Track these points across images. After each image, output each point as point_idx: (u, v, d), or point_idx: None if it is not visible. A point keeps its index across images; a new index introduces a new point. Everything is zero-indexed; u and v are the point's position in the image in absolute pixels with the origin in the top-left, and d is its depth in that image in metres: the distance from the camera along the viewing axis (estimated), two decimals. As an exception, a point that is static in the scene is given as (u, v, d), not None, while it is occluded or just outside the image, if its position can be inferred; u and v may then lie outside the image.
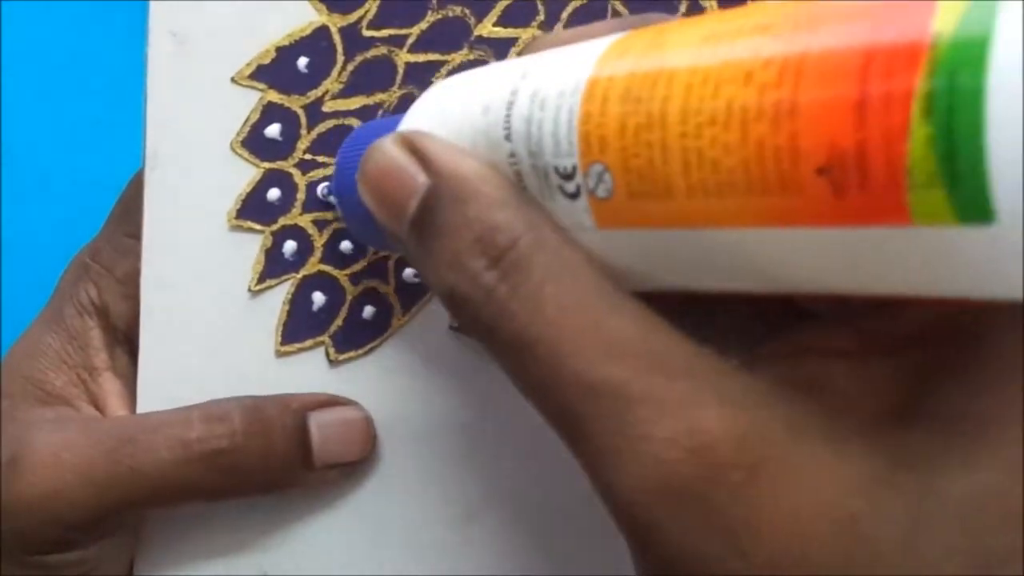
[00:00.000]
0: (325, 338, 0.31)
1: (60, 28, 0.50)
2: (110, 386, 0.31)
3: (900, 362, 0.19)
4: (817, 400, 0.19)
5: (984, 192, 0.14)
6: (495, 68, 0.23)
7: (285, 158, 0.31)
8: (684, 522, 0.18)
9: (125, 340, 0.32)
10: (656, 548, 0.19)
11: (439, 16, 0.31)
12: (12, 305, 0.47)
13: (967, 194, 0.15)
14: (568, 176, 0.20)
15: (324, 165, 0.31)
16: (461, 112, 0.23)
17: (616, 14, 0.30)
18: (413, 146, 0.22)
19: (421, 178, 0.22)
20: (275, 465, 0.29)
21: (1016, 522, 0.17)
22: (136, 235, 0.31)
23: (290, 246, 0.31)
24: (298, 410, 0.30)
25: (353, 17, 0.31)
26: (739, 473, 0.18)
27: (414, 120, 0.24)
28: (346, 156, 0.28)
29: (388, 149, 0.23)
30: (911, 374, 0.19)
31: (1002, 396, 0.18)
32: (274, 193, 0.31)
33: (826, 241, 0.17)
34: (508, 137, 0.21)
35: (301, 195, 0.31)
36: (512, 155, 0.21)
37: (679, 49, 0.19)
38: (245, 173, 0.31)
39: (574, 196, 0.20)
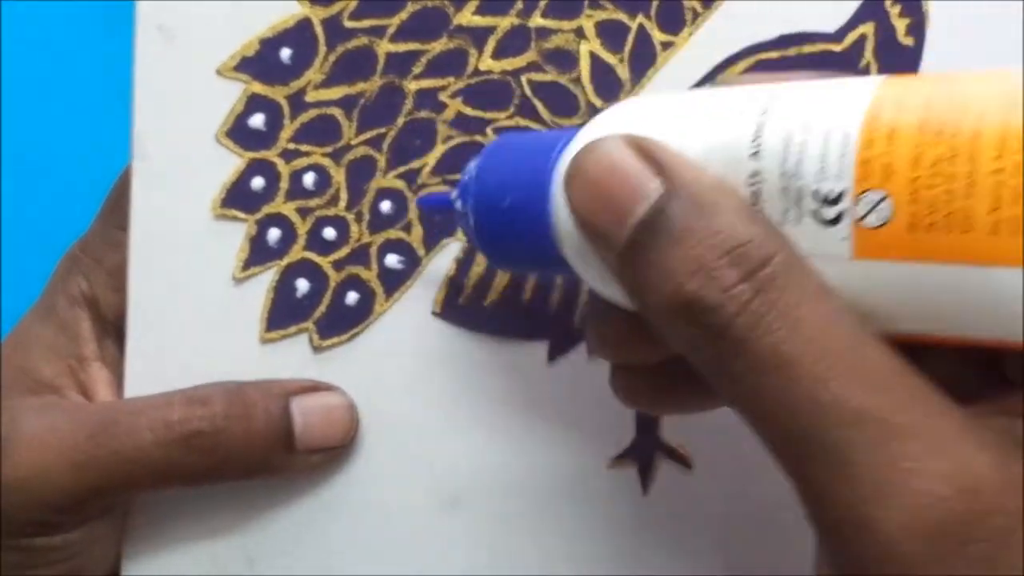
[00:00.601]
0: (309, 324, 0.31)
1: (49, 20, 0.51)
2: (99, 375, 0.32)
3: None
4: None
5: None
6: (718, 91, 0.23)
7: (269, 147, 0.31)
8: (950, 564, 0.18)
9: (114, 331, 0.32)
10: None
11: (418, 6, 0.31)
12: (9, 299, 0.47)
13: None
14: (831, 201, 0.20)
15: (307, 154, 0.31)
16: (685, 126, 0.22)
17: (594, 1, 0.31)
18: (643, 149, 0.22)
19: (655, 183, 0.21)
20: (257, 449, 0.29)
21: None
22: (125, 228, 0.32)
23: (274, 234, 0.31)
24: (280, 394, 0.30)
25: (335, 9, 0.31)
26: (1005, 521, 0.18)
27: (615, 129, 0.23)
28: (495, 158, 0.27)
29: (615, 147, 0.22)
30: None
31: None
32: (258, 182, 0.31)
33: None
34: (756, 155, 0.21)
35: (285, 184, 0.31)
36: (755, 174, 0.21)
37: (982, 86, 0.19)
38: (230, 163, 0.31)
39: (832, 223, 0.20)
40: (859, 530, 0.19)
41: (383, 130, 0.31)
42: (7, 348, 0.32)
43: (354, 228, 0.31)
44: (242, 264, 0.31)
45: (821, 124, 0.20)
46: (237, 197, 0.31)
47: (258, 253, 0.31)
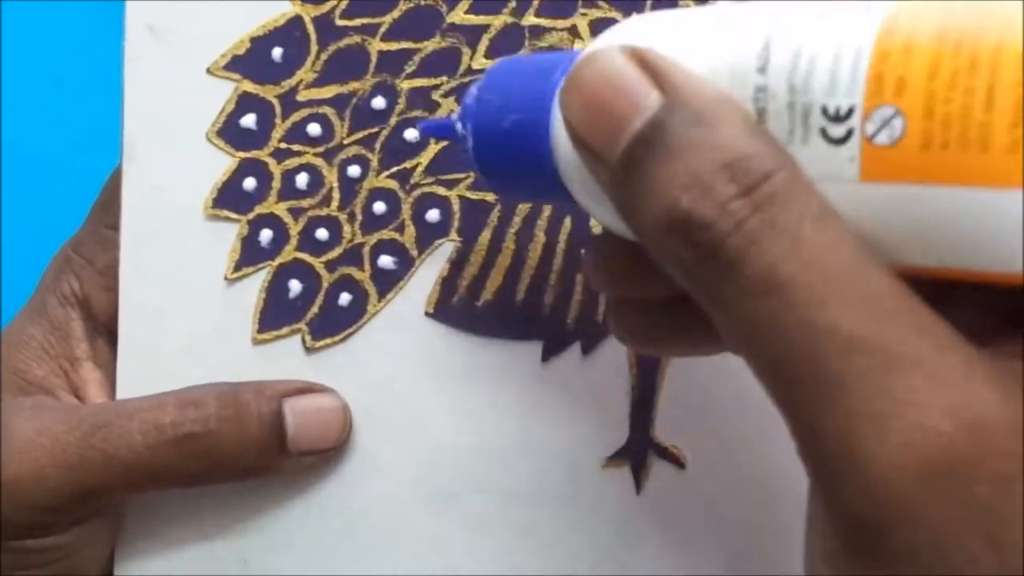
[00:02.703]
0: (302, 325, 0.31)
1: (40, 22, 0.50)
2: (91, 375, 0.32)
3: None
4: None
5: None
6: (724, 6, 0.22)
7: (260, 147, 0.31)
8: (944, 505, 0.17)
9: (106, 331, 0.32)
10: (900, 530, 0.17)
11: (411, 4, 0.31)
12: (4, 299, 0.47)
13: None
14: (840, 118, 0.19)
15: (299, 154, 0.31)
16: (695, 36, 0.21)
17: (588, 1, 0.30)
18: (644, 60, 0.20)
19: (654, 95, 0.20)
20: (249, 451, 0.29)
21: None
22: (117, 228, 0.32)
23: (266, 234, 0.31)
24: (273, 396, 0.30)
25: (326, 7, 0.31)
26: (1009, 461, 0.17)
27: (628, 38, 0.22)
28: (496, 80, 0.25)
29: (614, 58, 0.20)
30: None
31: None
32: (250, 182, 0.31)
33: None
34: (762, 70, 0.20)
35: (277, 183, 0.31)
36: (761, 90, 0.20)
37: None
38: (221, 163, 0.31)
39: (840, 141, 0.19)
40: (850, 465, 0.17)
41: (376, 130, 0.31)
42: (-2, 348, 0.32)
43: (347, 228, 0.31)
44: (234, 265, 0.31)
45: (833, 36, 0.19)
46: (229, 197, 0.31)
47: (250, 254, 0.31)
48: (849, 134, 0.19)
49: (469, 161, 0.26)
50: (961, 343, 0.18)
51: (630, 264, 0.23)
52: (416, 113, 0.31)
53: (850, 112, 0.19)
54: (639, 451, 0.31)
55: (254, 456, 0.30)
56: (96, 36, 0.40)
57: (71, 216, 0.34)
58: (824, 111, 0.19)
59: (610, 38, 0.22)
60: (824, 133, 0.19)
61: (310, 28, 0.31)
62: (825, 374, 0.18)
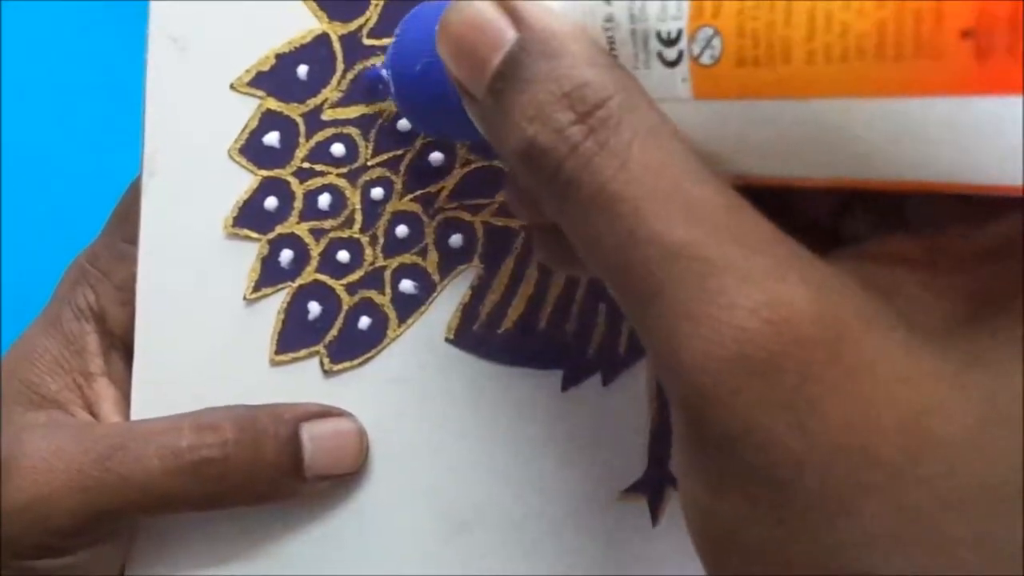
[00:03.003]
0: (320, 348, 0.31)
1: (60, 31, 0.50)
2: (105, 391, 0.31)
3: (971, 276, 0.19)
4: (889, 301, 0.19)
5: None
6: None
7: (283, 166, 0.31)
8: (751, 394, 0.18)
9: (121, 346, 0.32)
10: (716, 420, 0.18)
11: (440, 26, 0.30)
12: (11, 308, 0.47)
13: None
14: (671, 41, 0.20)
15: (322, 174, 0.31)
16: None
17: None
18: (503, 1, 0.22)
19: (510, 33, 0.21)
20: (265, 476, 0.29)
21: None
22: (134, 241, 0.31)
23: (286, 255, 0.31)
24: (290, 421, 0.30)
25: (353, 25, 0.30)
26: (815, 352, 0.18)
27: None
28: (409, 29, 0.28)
29: (476, 3, 0.22)
30: (982, 288, 0.19)
31: None
32: (271, 201, 0.31)
33: (955, 112, 0.16)
34: (608, 0, 0.21)
35: (299, 203, 0.31)
36: (609, 19, 0.21)
37: None
38: (243, 181, 0.31)
39: (673, 63, 0.20)
40: (673, 361, 0.19)
41: (400, 152, 0.31)
42: (11, 359, 0.32)
43: (368, 251, 0.31)
44: (253, 284, 0.31)
45: None
46: (249, 216, 0.31)
47: (270, 274, 0.31)
48: (680, 56, 0.20)
49: (395, 103, 0.28)
50: (781, 244, 0.19)
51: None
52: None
53: (679, 35, 0.20)
54: (656, 484, 0.31)
55: (269, 481, 0.29)
56: (118, 44, 0.39)
57: (84, 224, 0.33)
58: (659, 36, 0.20)
59: None
60: (661, 57, 0.20)
61: (336, 46, 0.30)
62: (649, 280, 0.19)
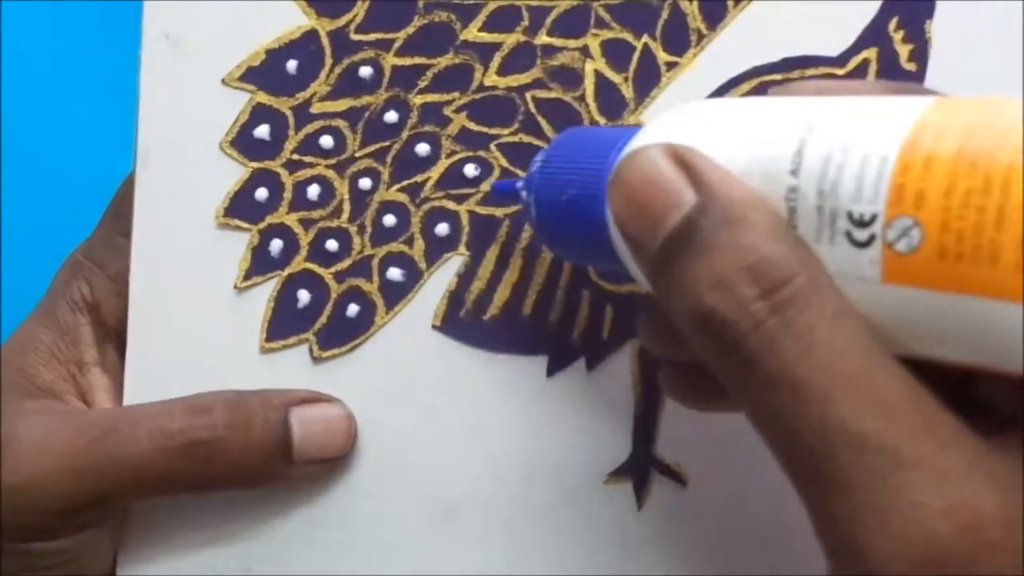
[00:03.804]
0: (309, 335, 0.32)
1: (57, 28, 0.51)
2: (98, 381, 0.32)
3: None
4: None
5: None
6: (766, 102, 0.23)
7: (273, 158, 0.32)
8: None
9: (115, 337, 0.32)
10: None
11: (425, 21, 0.31)
12: (9, 302, 0.47)
13: None
14: (864, 224, 0.20)
15: (311, 165, 0.32)
16: (736, 135, 0.22)
17: (600, 20, 0.31)
18: (682, 160, 0.22)
19: (689, 194, 0.21)
20: (255, 459, 0.30)
21: None
22: (128, 234, 0.32)
23: (276, 244, 0.31)
24: (280, 405, 0.30)
25: (341, 21, 0.31)
26: (1007, 559, 0.18)
27: (665, 135, 0.23)
28: (558, 154, 0.27)
29: (654, 157, 0.22)
30: None
31: None
32: (262, 192, 0.31)
33: None
34: (795, 172, 0.21)
35: (288, 194, 0.32)
36: (793, 191, 0.21)
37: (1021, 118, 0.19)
38: (234, 172, 0.32)
39: (863, 245, 0.20)
40: (856, 554, 0.19)
41: (387, 143, 0.31)
42: (7, 350, 0.32)
43: (356, 240, 0.32)
44: (243, 273, 0.31)
45: (861, 146, 0.20)
46: (240, 207, 0.31)
47: (260, 263, 0.31)
48: (872, 239, 0.20)
49: (532, 227, 0.28)
50: (966, 440, 0.19)
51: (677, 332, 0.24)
52: (428, 128, 0.31)
53: (873, 219, 0.20)
54: (641, 467, 0.31)
55: (259, 464, 0.30)
56: (113, 40, 0.40)
57: (80, 220, 0.34)
58: (849, 216, 0.20)
59: (660, 126, 0.24)
60: (849, 236, 0.20)
61: (325, 41, 0.31)
62: (834, 468, 0.19)
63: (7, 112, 0.50)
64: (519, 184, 0.28)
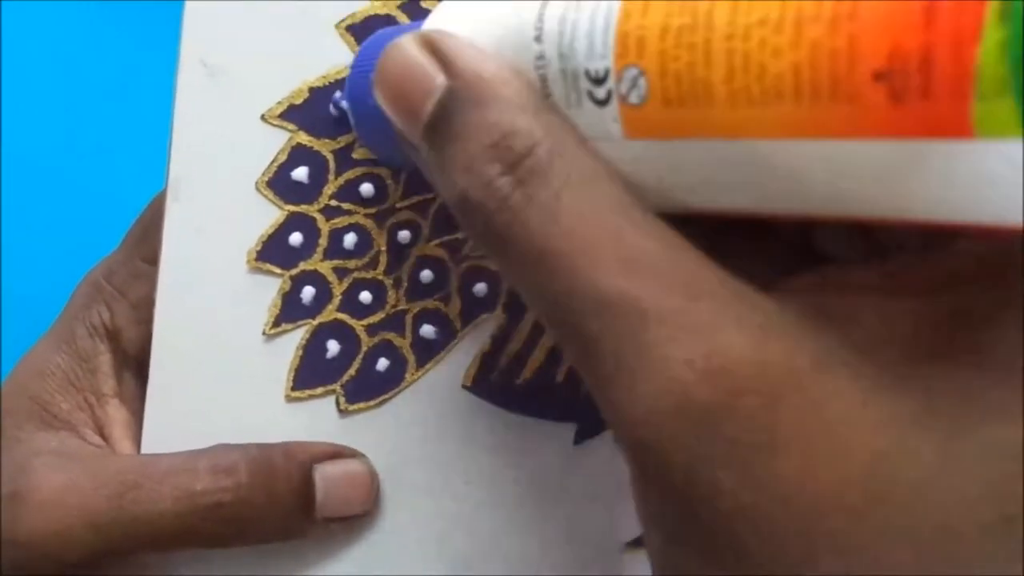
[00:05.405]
0: (337, 387, 0.31)
1: (57, 28, 0.48)
2: (116, 414, 0.31)
3: (931, 303, 0.19)
4: (845, 334, 0.18)
5: None
6: None
7: (310, 202, 0.30)
8: (695, 447, 0.17)
9: (135, 365, 0.31)
10: (661, 474, 0.18)
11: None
12: (12, 319, 0.46)
13: None
14: (599, 80, 0.19)
15: (349, 213, 0.30)
16: (488, 12, 0.22)
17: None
18: (433, 46, 0.21)
19: (440, 79, 0.21)
20: (277, 516, 0.29)
21: None
22: (152, 260, 0.31)
23: (308, 292, 0.30)
24: (304, 462, 0.30)
25: (391, 63, 0.30)
26: (757, 400, 0.17)
27: (437, 21, 0.23)
28: (363, 60, 0.27)
29: (407, 48, 0.21)
30: (943, 316, 0.18)
31: None
32: (296, 237, 0.30)
33: (876, 155, 0.16)
34: (539, 38, 0.20)
35: (324, 241, 0.30)
36: (540, 57, 0.20)
37: None
38: (268, 214, 0.30)
39: (603, 102, 0.19)
40: (610, 414, 0.18)
41: (430, 196, 0.30)
42: (21, 375, 0.31)
43: (391, 294, 0.31)
44: (273, 320, 0.30)
45: (592, 0, 0.19)
46: (273, 250, 0.30)
47: (290, 310, 0.30)
48: (609, 96, 0.19)
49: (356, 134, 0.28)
50: (721, 290, 0.18)
51: None
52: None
53: (607, 74, 0.19)
54: (661, 540, 0.31)
55: (280, 521, 0.29)
56: (108, 40, 0.38)
57: (89, 238, 0.33)
58: (587, 74, 0.20)
59: (428, 22, 0.23)
60: (591, 95, 0.20)
61: (372, 84, 0.30)
62: (588, 335, 0.18)
63: (12, 122, 0.47)
64: (337, 95, 0.28)
